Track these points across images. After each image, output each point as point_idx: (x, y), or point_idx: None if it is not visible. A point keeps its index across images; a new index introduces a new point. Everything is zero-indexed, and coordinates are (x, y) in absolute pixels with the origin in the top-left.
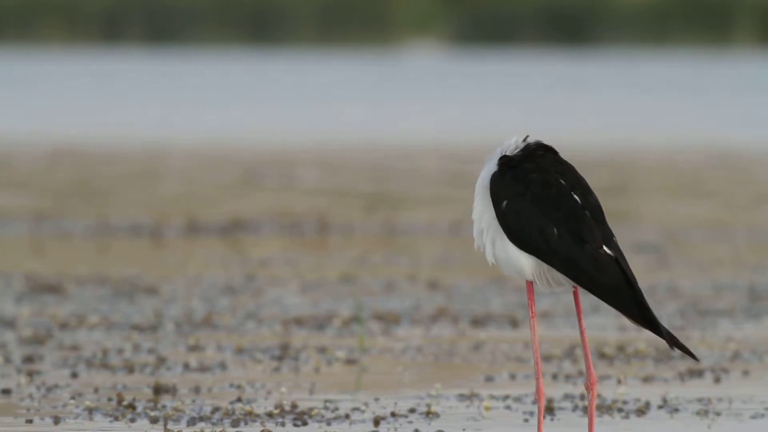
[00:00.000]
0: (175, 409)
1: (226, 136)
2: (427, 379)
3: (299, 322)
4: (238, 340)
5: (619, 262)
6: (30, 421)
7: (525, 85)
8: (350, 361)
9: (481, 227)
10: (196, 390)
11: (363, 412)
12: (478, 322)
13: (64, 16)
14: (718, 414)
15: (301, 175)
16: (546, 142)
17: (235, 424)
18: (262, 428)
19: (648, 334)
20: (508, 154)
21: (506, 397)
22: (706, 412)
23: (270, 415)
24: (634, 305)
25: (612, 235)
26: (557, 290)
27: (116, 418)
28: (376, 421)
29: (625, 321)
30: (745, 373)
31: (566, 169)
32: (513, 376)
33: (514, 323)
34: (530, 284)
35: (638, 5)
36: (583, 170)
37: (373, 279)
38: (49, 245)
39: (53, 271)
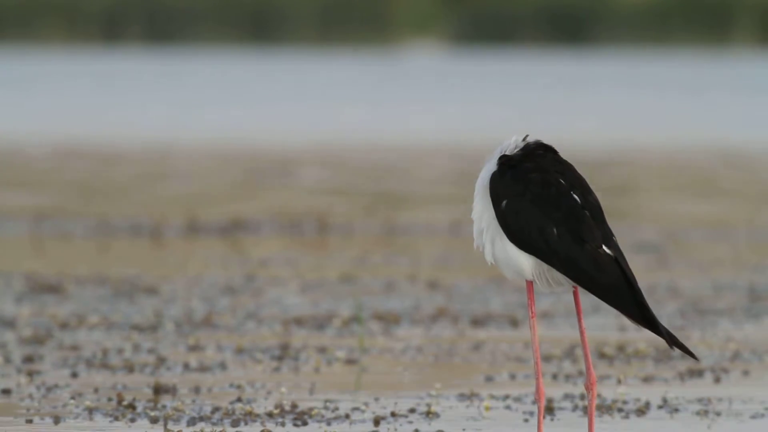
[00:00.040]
0: (175, 409)
1: (226, 136)
2: (427, 379)
3: (299, 322)
4: (238, 340)
5: (618, 262)
6: (30, 421)
7: (525, 85)
8: (350, 361)
9: (481, 227)
10: (196, 390)
11: (363, 412)
12: (478, 322)
13: (64, 16)
14: (718, 414)
15: (301, 175)
16: (546, 141)
17: (235, 424)
18: (262, 428)
19: (648, 334)
20: (507, 153)
21: (506, 397)
22: (706, 412)
23: (270, 415)
24: (633, 305)
25: (612, 234)
26: (557, 290)
27: (116, 418)
28: (376, 421)
29: (625, 321)
30: (745, 373)
31: (566, 169)
32: (513, 376)
33: (514, 323)
34: (530, 284)
35: (638, 5)
36: (583, 170)
37: (373, 279)
38: (49, 245)
39: (53, 271)
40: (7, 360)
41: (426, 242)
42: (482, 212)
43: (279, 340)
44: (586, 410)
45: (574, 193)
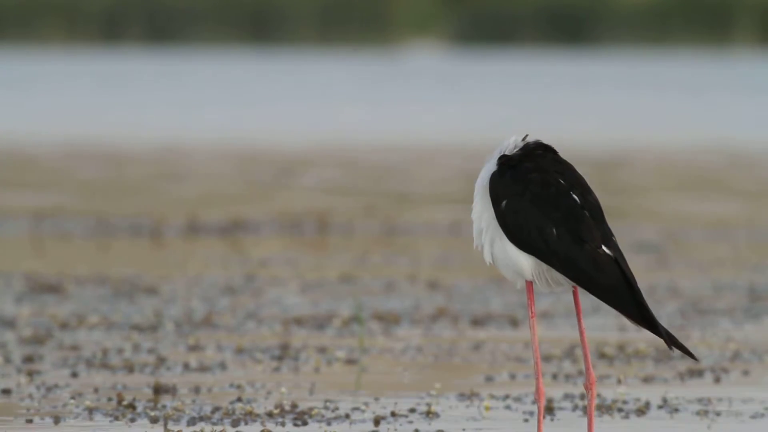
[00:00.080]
0: (175, 409)
1: (226, 136)
2: (427, 379)
3: (299, 322)
4: (238, 340)
5: (618, 262)
6: (30, 421)
7: (525, 85)
8: (350, 361)
9: (481, 227)
10: (196, 390)
11: (363, 411)
12: (478, 322)
13: (64, 16)
14: (718, 414)
15: (301, 175)
16: (546, 141)
17: (235, 424)
18: (262, 428)
19: (648, 334)
20: (507, 153)
21: (506, 397)
22: (706, 412)
23: (270, 414)
24: (633, 305)
25: (611, 234)
26: (557, 290)
27: (116, 418)
28: (376, 421)
29: (625, 321)
30: (745, 373)
31: (565, 169)
32: (513, 376)
33: (514, 323)
34: (530, 284)
35: (638, 5)
36: (582, 170)
37: (373, 279)
38: (49, 245)
39: (53, 271)
40: (7, 360)
41: (426, 242)
42: (482, 212)
43: (279, 340)
44: (586, 410)
45: (573, 193)
